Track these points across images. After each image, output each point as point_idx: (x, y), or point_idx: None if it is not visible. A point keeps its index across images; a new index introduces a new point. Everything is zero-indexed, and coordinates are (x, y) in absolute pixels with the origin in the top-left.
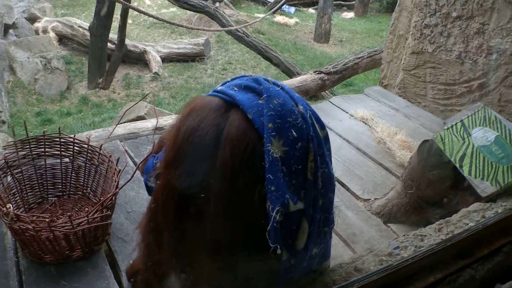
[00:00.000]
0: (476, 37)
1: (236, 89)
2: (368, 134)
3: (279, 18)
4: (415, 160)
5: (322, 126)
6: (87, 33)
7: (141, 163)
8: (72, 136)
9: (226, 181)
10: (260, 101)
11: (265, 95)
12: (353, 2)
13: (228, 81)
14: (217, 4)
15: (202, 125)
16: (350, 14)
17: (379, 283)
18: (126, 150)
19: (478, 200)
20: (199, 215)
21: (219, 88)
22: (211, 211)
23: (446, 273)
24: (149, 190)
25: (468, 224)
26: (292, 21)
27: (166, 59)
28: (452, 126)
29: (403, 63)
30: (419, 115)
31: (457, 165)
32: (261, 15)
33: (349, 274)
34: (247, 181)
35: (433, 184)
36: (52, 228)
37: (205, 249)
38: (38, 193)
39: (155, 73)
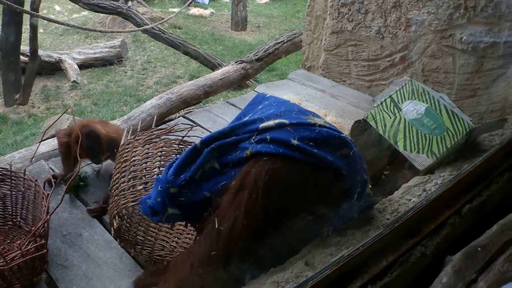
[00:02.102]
0: (394, 11)
1: (312, 144)
2: None
3: (194, 11)
4: None
5: None
6: None
7: (70, 182)
8: None
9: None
10: (338, 157)
11: (351, 152)
12: None
13: (287, 124)
14: (130, 3)
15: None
16: None
17: (334, 275)
18: (52, 170)
19: (417, 174)
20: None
21: (294, 143)
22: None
23: (397, 255)
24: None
25: (410, 200)
26: (207, 12)
27: (84, 65)
28: (381, 103)
29: (324, 44)
30: (346, 94)
31: (392, 142)
32: (176, 10)
33: (301, 269)
34: None
35: (371, 164)
36: None
37: None
38: None
39: (74, 81)
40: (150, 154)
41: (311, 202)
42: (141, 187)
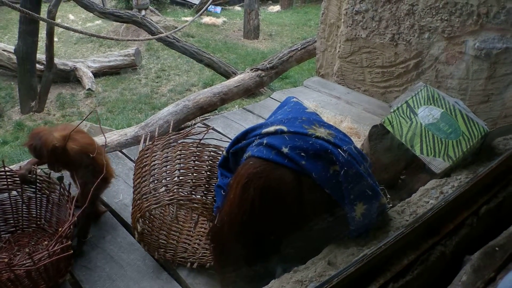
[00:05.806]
0: (407, 18)
1: (303, 154)
2: None
3: (206, 19)
4: (367, 146)
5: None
6: (13, 56)
7: (94, 186)
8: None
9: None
10: (331, 173)
11: (343, 170)
12: None
13: (285, 132)
14: (143, 12)
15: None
16: (276, 7)
17: (358, 273)
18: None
19: (434, 177)
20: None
21: (285, 150)
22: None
23: (418, 253)
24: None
25: (428, 202)
26: (219, 20)
27: (98, 73)
28: (398, 108)
29: (338, 51)
30: (360, 100)
31: (409, 146)
32: (189, 18)
33: (324, 269)
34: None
35: (388, 168)
36: (13, 268)
37: None
38: None
39: (89, 89)
40: (169, 158)
41: (294, 207)
42: (162, 189)
